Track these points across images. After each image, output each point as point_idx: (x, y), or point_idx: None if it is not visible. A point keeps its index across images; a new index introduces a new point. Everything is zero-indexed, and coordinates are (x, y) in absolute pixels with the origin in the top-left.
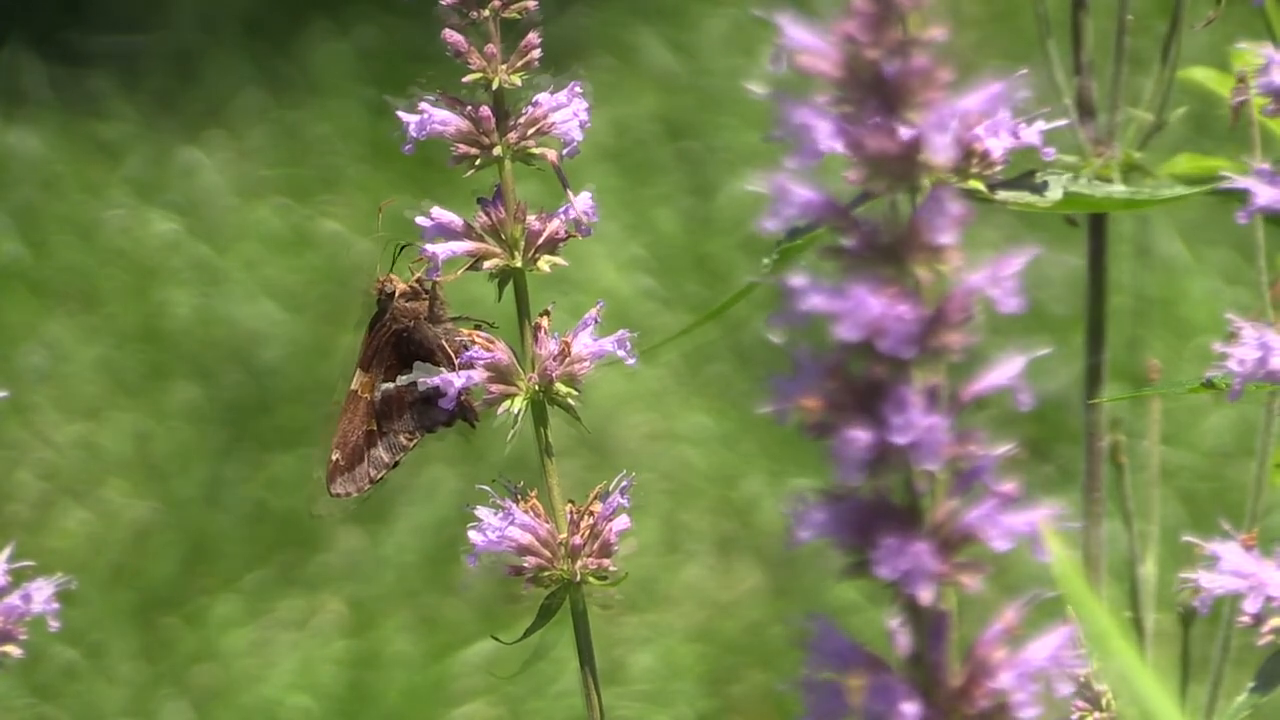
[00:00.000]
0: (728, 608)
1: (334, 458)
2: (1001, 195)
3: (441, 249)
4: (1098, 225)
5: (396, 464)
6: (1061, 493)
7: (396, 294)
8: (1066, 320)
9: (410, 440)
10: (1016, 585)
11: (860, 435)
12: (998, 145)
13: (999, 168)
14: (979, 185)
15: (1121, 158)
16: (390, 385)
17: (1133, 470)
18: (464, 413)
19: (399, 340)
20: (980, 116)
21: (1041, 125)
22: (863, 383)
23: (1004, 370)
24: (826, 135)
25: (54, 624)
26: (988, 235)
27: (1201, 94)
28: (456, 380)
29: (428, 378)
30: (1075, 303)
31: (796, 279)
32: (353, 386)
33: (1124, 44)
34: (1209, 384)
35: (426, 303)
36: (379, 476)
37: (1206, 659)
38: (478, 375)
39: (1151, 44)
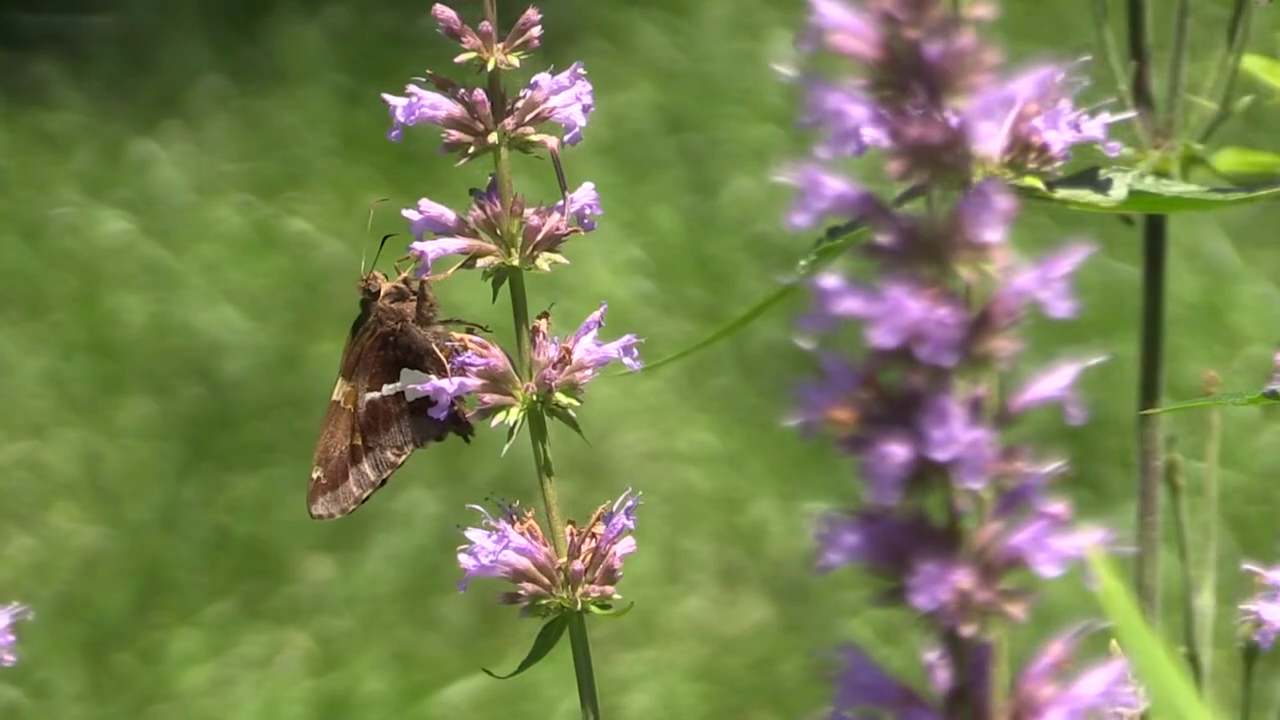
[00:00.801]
0: (733, 643)
1: (315, 475)
2: (1061, 193)
3: (431, 246)
4: (1156, 226)
5: (384, 481)
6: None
7: (382, 294)
8: (1094, 325)
9: (399, 455)
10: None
11: (898, 450)
12: (1057, 138)
13: (1059, 163)
14: (1036, 182)
15: (1182, 150)
16: (376, 394)
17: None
18: (457, 424)
19: (386, 345)
20: (1037, 106)
21: (1105, 117)
22: (900, 393)
23: (1054, 380)
24: (862, 122)
25: (8, 659)
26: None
27: (1250, 85)
28: (449, 387)
29: (417, 385)
30: (1106, 307)
31: (829, 280)
32: (335, 397)
33: (1185, 26)
34: (1273, 395)
35: (414, 304)
36: (365, 496)
37: (1268, 699)
38: (471, 382)
39: (1201, 28)
